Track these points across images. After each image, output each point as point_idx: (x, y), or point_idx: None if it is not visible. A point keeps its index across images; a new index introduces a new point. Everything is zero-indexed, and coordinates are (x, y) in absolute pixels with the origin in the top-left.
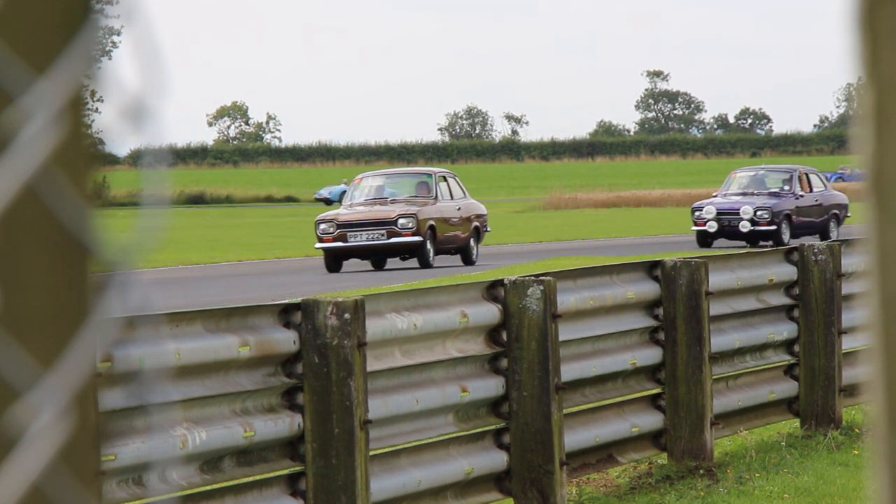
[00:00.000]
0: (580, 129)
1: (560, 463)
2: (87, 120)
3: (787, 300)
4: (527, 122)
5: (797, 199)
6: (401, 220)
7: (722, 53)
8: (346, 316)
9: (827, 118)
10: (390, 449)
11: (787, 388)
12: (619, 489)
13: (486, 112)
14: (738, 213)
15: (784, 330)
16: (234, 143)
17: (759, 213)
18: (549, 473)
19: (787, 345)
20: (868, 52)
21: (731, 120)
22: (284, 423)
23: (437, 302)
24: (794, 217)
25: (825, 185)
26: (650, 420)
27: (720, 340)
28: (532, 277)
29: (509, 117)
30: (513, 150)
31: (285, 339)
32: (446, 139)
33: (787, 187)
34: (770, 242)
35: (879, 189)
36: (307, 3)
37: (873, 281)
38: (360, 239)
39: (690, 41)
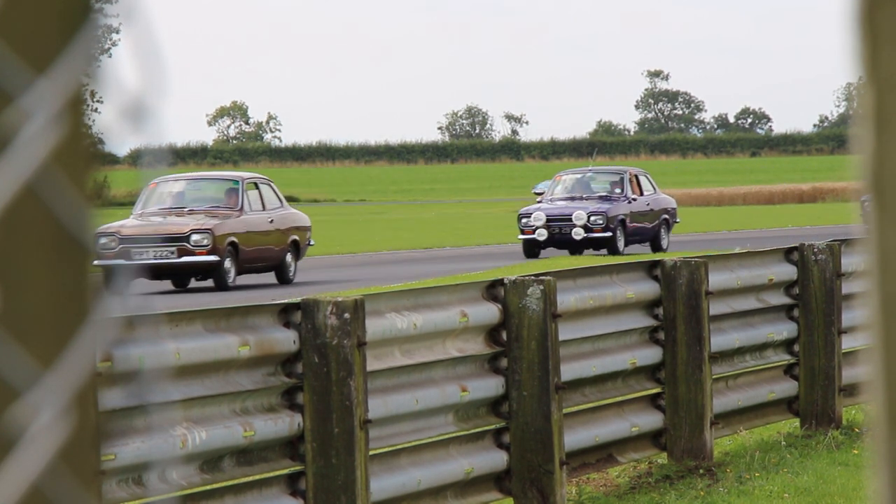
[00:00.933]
0: (580, 128)
1: (560, 463)
2: (87, 120)
3: (786, 300)
4: (527, 122)
5: (630, 203)
6: (194, 237)
7: (722, 53)
8: (346, 315)
9: (827, 118)
10: (390, 449)
11: (787, 387)
12: (618, 489)
13: (486, 112)
14: (570, 219)
15: (784, 329)
16: (234, 142)
17: (592, 218)
18: (548, 473)
19: (787, 344)
20: (868, 52)
21: (731, 120)
22: (284, 423)
23: (437, 301)
24: (627, 222)
25: (654, 188)
26: (650, 420)
27: (720, 340)
28: (532, 277)
29: (509, 117)
30: (513, 149)
31: (285, 339)
32: (446, 139)
33: (618, 190)
34: (604, 251)
35: (879, 189)
36: (307, 3)
37: (873, 281)
38: (146, 256)
39: (690, 41)
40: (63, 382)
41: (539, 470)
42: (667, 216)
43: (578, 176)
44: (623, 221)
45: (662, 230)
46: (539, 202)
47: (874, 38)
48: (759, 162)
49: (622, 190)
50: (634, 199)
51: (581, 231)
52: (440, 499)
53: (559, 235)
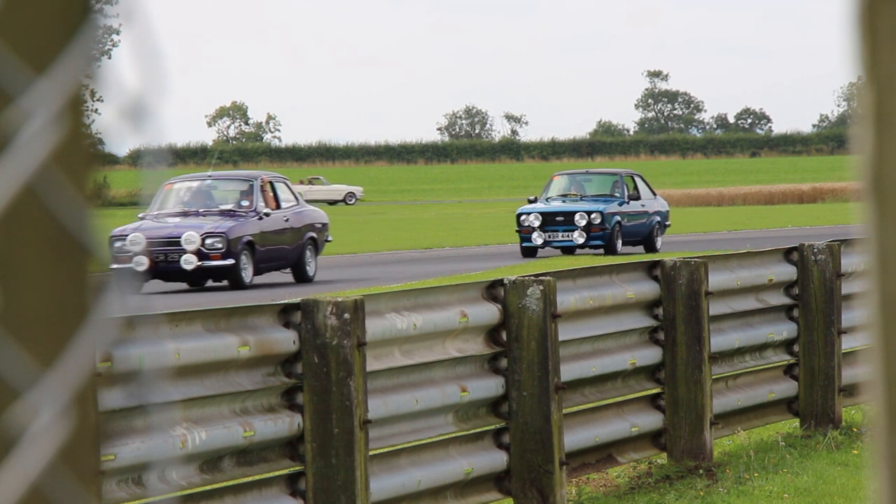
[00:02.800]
0: (580, 128)
1: (560, 463)
2: (87, 120)
3: (786, 300)
4: (526, 122)
5: (260, 218)
6: (208, 240)
7: (722, 53)
8: (346, 316)
9: (826, 118)
10: (390, 449)
11: (787, 387)
12: (618, 489)
13: (485, 112)
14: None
15: (784, 330)
16: (234, 142)
17: (208, 240)
18: (548, 473)
19: (787, 345)
20: (868, 52)
21: (731, 120)
22: (284, 423)
23: (437, 302)
24: (256, 245)
25: (294, 201)
26: (650, 420)
27: (720, 340)
28: (532, 277)
29: (509, 117)
30: (512, 149)
31: (285, 339)
32: (446, 139)
33: (245, 203)
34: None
35: (879, 189)
36: (307, 3)
37: (873, 281)
38: (160, 261)
39: (690, 41)
40: (63, 382)
41: (539, 470)
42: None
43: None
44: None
45: None
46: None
47: (874, 38)
48: (759, 162)
49: (251, 203)
50: (267, 215)
51: (192, 258)
52: (440, 499)
53: (164, 264)
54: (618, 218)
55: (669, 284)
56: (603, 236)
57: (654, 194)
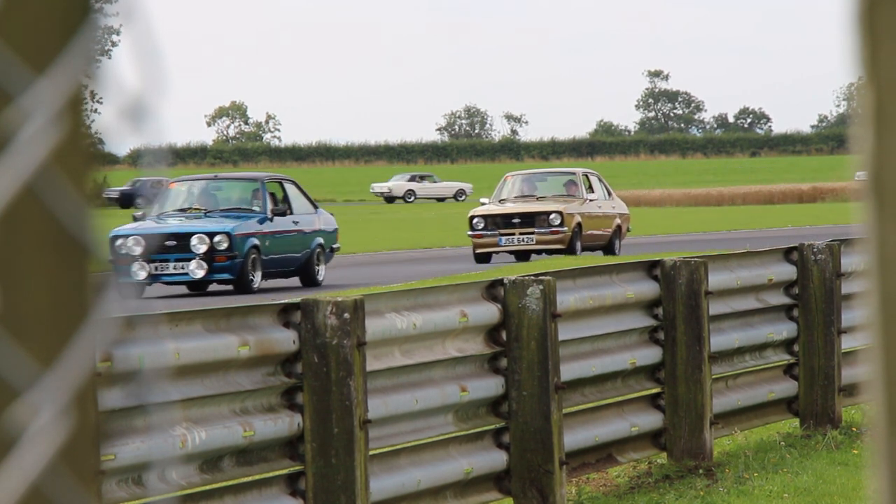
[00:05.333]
0: (580, 128)
1: (560, 462)
2: (87, 120)
3: (786, 300)
4: (526, 122)
5: None
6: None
7: (722, 53)
8: (346, 315)
9: (826, 118)
10: (390, 449)
11: (787, 387)
12: (618, 489)
13: (485, 112)
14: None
15: (783, 329)
16: (234, 142)
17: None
18: (548, 473)
19: (787, 344)
20: (868, 52)
21: (731, 119)
22: (284, 423)
23: (437, 301)
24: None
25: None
26: (650, 420)
27: (720, 340)
28: (531, 277)
29: (509, 117)
30: (512, 149)
31: (285, 339)
32: (446, 139)
33: None
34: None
35: (879, 189)
36: (307, 3)
37: (873, 281)
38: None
39: (690, 41)
40: (63, 382)
41: (539, 470)
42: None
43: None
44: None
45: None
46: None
47: (874, 38)
48: (759, 162)
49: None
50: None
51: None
52: (440, 499)
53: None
54: (255, 241)
55: (669, 284)
56: (231, 267)
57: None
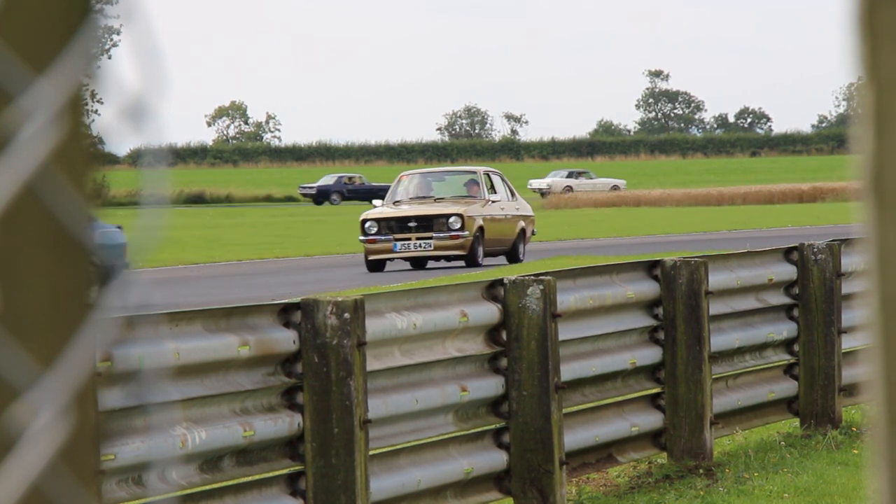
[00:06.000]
0: (580, 128)
1: (560, 462)
2: (87, 120)
3: (786, 300)
4: (526, 122)
5: None
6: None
7: (722, 53)
8: (346, 315)
9: (826, 118)
10: (390, 448)
11: (787, 387)
12: (618, 489)
13: (485, 111)
14: None
15: (784, 329)
16: (234, 142)
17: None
18: (548, 473)
19: (787, 344)
20: (868, 52)
21: (731, 119)
22: (284, 423)
23: (437, 301)
24: None
25: None
26: (650, 419)
27: (720, 340)
28: (532, 277)
29: (509, 117)
30: (512, 149)
31: (285, 339)
32: (446, 139)
33: None
34: None
35: (879, 189)
36: (307, 3)
37: (873, 281)
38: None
39: (691, 41)
40: (63, 382)
41: (539, 470)
42: None
43: None
44: None
45: None
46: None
47: (874, 38)
48: (759, 162)
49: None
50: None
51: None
52: (440, 499)
53: None
54: None
55: (669, 284)
56: None
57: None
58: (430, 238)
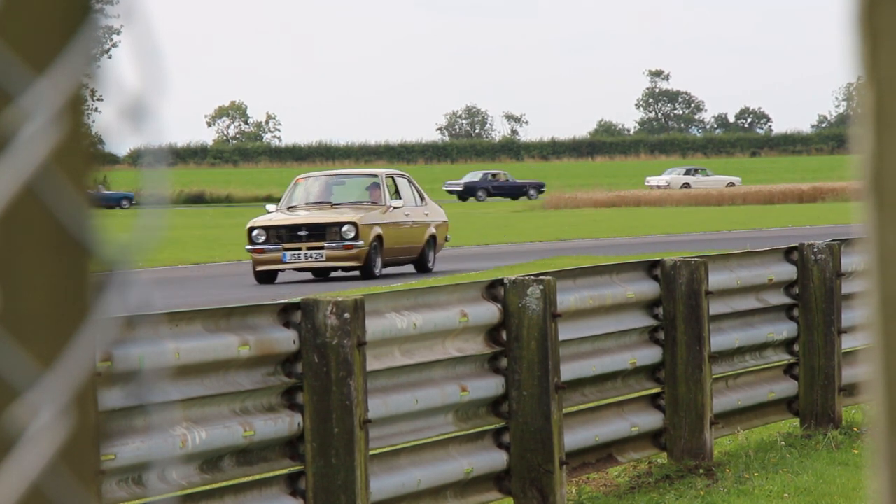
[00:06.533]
0: (580, 128)
1: (560, 462)
2: (87, 120)
3: (786, 300)
4: (526, 122)
5: None
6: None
7: (722, 53)
8: (346, 315)
9: (826, 118)
10: (390, 448)
11: (787, 387)
12: (618, 489)
13: (485, 111)
14: None
15: (784, 329)
16: (234, 142)
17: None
18: (548, 473)
19: (787, 344)
20: (868, 52)
21: (731, 119)
22: (284, 423)
23: (437, 301)
24: None
25: None
26: (650, 419)
27: (720, 340)
28: (532, 277)
29: (509, 117)
30: (512, 149)
31: (285, 339)
32: (446, 139)
33: None
34: None
35: (879, 189)
36: (307, 3)
37: (873, 281)
38: None
39: (691, 41)
40: (63, 382)
41: (539, 470)
42: None
43: None
44: None
45: None
46: None
47: (874, 38)
48: (759, 162)
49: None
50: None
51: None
52: (440, 499)
53: None
54: None
55: (669, 284)
56: None
57: (423, 198)
58: (322, 248)
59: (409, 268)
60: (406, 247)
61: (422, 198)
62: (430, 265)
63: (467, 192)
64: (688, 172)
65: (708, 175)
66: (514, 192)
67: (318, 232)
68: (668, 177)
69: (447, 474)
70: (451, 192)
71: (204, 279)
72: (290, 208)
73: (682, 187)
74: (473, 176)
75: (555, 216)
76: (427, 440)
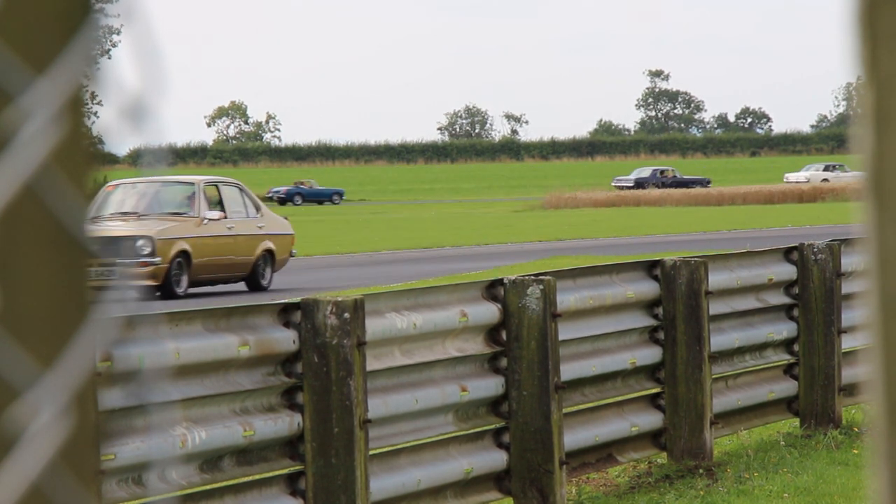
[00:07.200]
0: (580, 128)
1: (560, 462)
2: (87, 120)
3: (786, 299)
4: (527, 122)
5: None
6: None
7: (722, 53)
8: (346, 315)
9: (826, 118)
10: (390, 448)
11: (787, 387)
12: (618, 488)
13: (485, 111)
14: None
15: (784, 329)
16: (234, 142)
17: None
18: (548, 473)
19: (787, 344)
20: (868, 52)
21: (731, 119)
22: (284, 423)
23: (437, 301)
24: None
25: None
26: (650, 419)
27: (720, 340)
28: (532, 277)
29: (509, 117)
30: (512, 149)
31: (285, 339)
32: (446, 139)
33: None
34: None
35: (879, 189)
36: (307, 3)
37: (873, 281)
38: None
39: (691, 40)
40: (63, 382)
41: (539, 470)
42: None
43: None
44: None
45: None
46: None
47: (874, 38)
48: (759, 162)
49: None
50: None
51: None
52: (440, 498)
53: None
54: None
55: (669, 284)
56: None
57: (258, 209)
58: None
59: (241, 286)
60: (228, 263)
61: (257, 209)
62: (264, 282)
63: (637, 187)
64: (826, 168)
65: (846, 171)
66: (682, 187)
67: (113, 247)
68: (808, 173)
69: (447, 474)
70: (620, 188)
71: None
72: (95, 218)
73: (821, 182)
74: (642, 171)
75: (555, 216)
76: (427, 440)
